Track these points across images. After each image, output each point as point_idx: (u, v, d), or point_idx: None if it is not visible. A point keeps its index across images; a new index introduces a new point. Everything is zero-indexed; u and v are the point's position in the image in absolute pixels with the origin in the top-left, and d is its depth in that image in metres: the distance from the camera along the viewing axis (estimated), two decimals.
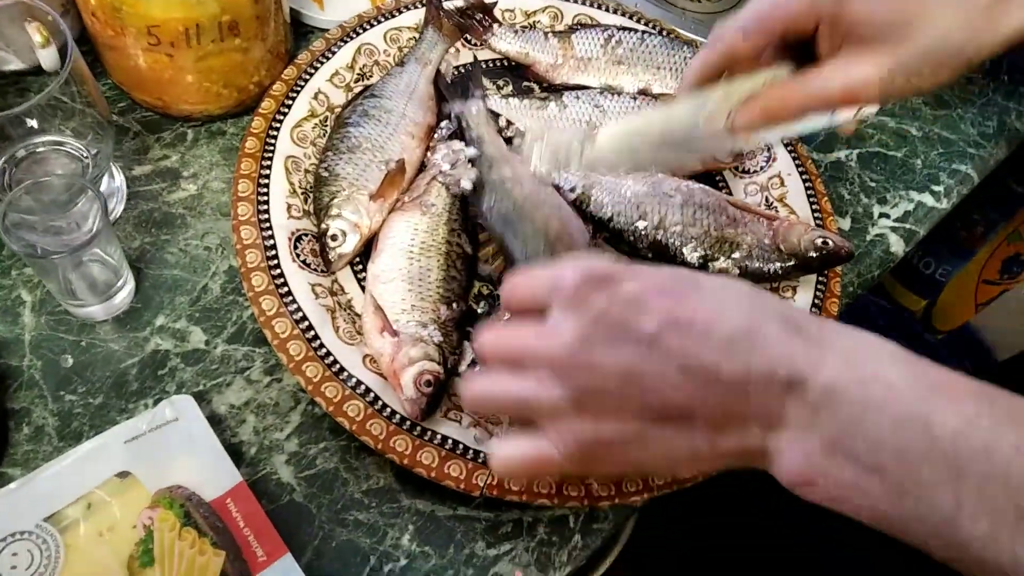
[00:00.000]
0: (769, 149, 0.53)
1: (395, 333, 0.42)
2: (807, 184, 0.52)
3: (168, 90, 0.47)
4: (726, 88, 0.41)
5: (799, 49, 0.41)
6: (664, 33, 0.57)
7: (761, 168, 0.53)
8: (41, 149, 0.44)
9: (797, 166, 0.52)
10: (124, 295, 0.43)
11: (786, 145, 0.53)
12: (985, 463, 0.27)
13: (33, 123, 0.42)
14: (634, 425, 0.31)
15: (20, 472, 0.38)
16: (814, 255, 0.47)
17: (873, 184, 0.57)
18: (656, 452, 0.32)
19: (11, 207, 0.39)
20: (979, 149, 0.61)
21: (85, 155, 0.44)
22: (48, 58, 0.45)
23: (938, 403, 0.28)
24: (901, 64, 0.38)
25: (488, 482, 0.39)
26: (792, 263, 0.47)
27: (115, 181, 0.46)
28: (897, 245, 0.55)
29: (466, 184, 0.47)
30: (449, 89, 0.52)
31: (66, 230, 0.42)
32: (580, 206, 0.49)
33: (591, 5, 0.57)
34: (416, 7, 0.54)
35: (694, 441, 0.31)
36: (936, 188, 0.58)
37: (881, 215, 0.56)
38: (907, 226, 0.56)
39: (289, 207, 0.45)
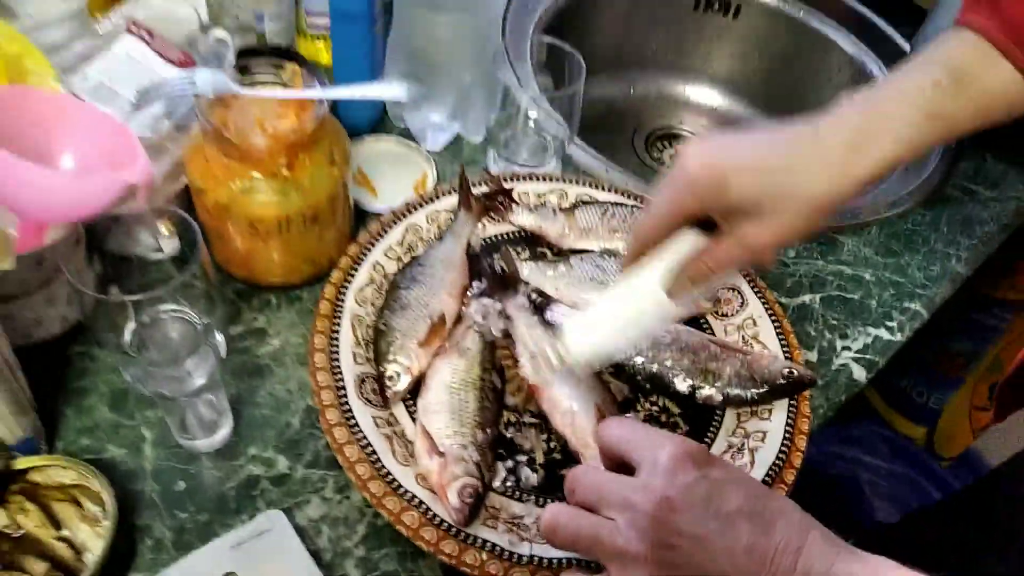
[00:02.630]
0: (742, 297, 0.64)
1: (441, 454, 0.51)
2: (775, 324, 0.63)
3: (259, 267, 0.60)
4: (657, 264, 0.53)
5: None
6: (643, 207, 0.70)
7: (736, 312, 0.64)
8: (164, 316, 0.56)
9: (766, 309, 0.63)
10: (225, 431, 0.54)
11: (756, 293, 0.64)
12: None
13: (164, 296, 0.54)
14: None
15: None
16: (783, 382, 0.57)
17: (835, 322, 0.68)
18: None
19: (147, 362, 0.51)
20: (926, 290, 0.72)
21: (196, 319, 0.56)
22: (171, 246, 0.58)
23: None
24: (781, 223, 0.48)
25: None
26: (765, 389, 0.57)
27: (217, 339, 0.58)
28: (859, 373, 0.65)
29: (496, 332, 0.58)
30: (487, 270, 0.64)
31: (183, 379, 0.53)
32: None
33: (590, 186, 0.71)
34: (451, 193, 0.68)
35: None
36: (890, 323, 0.68)
37: (843, 348, 0.66)
38: (867, 357, 0.66)
39: (355, 355, 0.57)
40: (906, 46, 0.97)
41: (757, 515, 0.39)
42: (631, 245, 0.55)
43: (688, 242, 0.54)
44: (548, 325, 0.60)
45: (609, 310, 0.55)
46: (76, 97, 0.58)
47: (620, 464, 0.42)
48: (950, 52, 0.51)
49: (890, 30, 0.99)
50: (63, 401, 0.54)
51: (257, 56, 0.60)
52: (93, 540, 0.45)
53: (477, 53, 0.74)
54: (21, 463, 0.47)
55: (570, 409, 0.55)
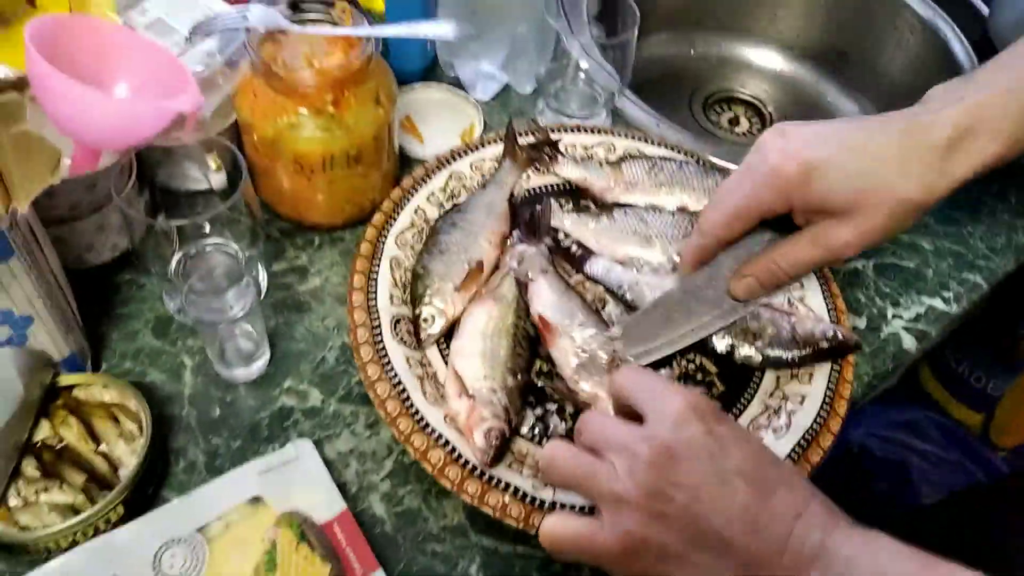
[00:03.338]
0: None
1: (471, 396, 0.51)
2: (823, 287, 0.60)
3: (304, 206, 0.61)
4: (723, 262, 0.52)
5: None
6: (699, 161, 0.68)
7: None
8: (209, 248, 0.57)
9: (815, 271, 0.61)
10: (262, 363, 0.55)
11: None
12: None
13: (206, 229, 0.55)
14: (682, 542, 0.37)
15: (176, 495, 0.48)
16: (825, 345, 0.55)
17: (887, 290, 0.65)
18: (689, 574, 0.37)
19: (189, 290, 0.52)
20: (988, 261, 0.68)
21: (240, 254, 0.57)
22: (218, 180, 0.59)
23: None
24: (872, 225, 0.46)
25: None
26: (807, 352, 0.55)
27: (260, 274, 0.59)
28: (909, 343, 0.62)
29: (532, 277, 0.58)
30: (524, 216, 0.63)
31: (223, 309, 0.54)
32: (628, 300, 0.59)
33: (638, 140, 0.69)
34: (496, 143, 0.67)
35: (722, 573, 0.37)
36: (946, 294, 0.65)
37: (894, 316, 0.63)
38: (919, 327, 0.63)
39: (392, 297, 0.57)
40: (984, 8, 0.91)
41: (758, 478, 0.38)
42: (697, 243, 0.52)
43: (759, 241, 0.51)
44: (588, 278, 0.60)
45: (668, 314, 0.54)
46: (133, 29, 0.59)
47: (631, 414, 0.41)
48: None
49: None
50: (109, 325, 0.56)
51: None
52: (129, 456, 0.47)
53: (530, 1, 0.73)
54: (65, 380, 0.49)
55: (581, 361, 0.54)
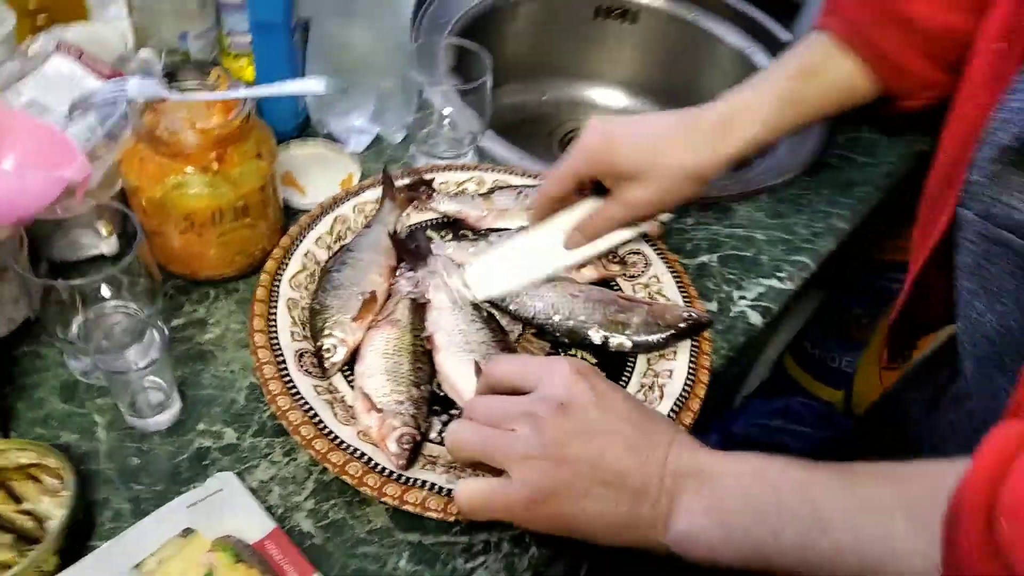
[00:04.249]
0: (646, 259, 0.71)
1: (380, 410, 0.56)
2: (677, 279, 0.69)
3: (196, 261, 0.64)
4: (558, 220, 0.65)
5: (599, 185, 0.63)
6: None
7: (642, 272, 0.70)
8: (107, 310, 0.59)
9: (668, 268, 0.70)
10: (174, 410, 0.57)
11: (659, 254, 0.71)
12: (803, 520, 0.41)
13: (104, 292, 0.58)
14: (583, 481, 0.44)
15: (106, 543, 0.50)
16: (683, 325, 0.64)
17: (731, 276, 0.75)
18: (591, 508, 0.44)
19: (96, 350, 0.54)
20: (811, 244, 0.80)
21: (139, 312, 0.59)
22: (110, 246, 0.62)
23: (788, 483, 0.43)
24: (658, 187, 0.59)
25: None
26: (669, 333, 0.64)
27: (162, 329, 0.61)
28: (755, 318, 0.72)
29: (430, 295, 0.64)
30: (406, 246, 0.69)
31: (129, 365, 0.56)
32: (511, 310, 0.65)
33: (505, 173, 0.77)
34: (375, 186, 0.73)
35: (620, 505, 0.44)
36: (781, 274, 0.76)
37: (740, 297, 0.73)
38: (762, 304, 0.73)
39: (292, 334, 0.61)
40: (788, 36, 1.07)
41: (636, 419, 0.46)
42: (537, 203, 0.64)
43: (584, 205, 0.64)
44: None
45: (512, 254, 0.65)
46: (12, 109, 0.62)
47: (509, 395, 0.49)
48: (803, 51, 0.63)
49: (772, 24, 1.09)
50: (15, 396, 0.57)
51: (183, 66, 0.65)
52: (54, 509, 0.48)
53: (391, 59, 0.80)
54: None
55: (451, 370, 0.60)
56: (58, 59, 0.67)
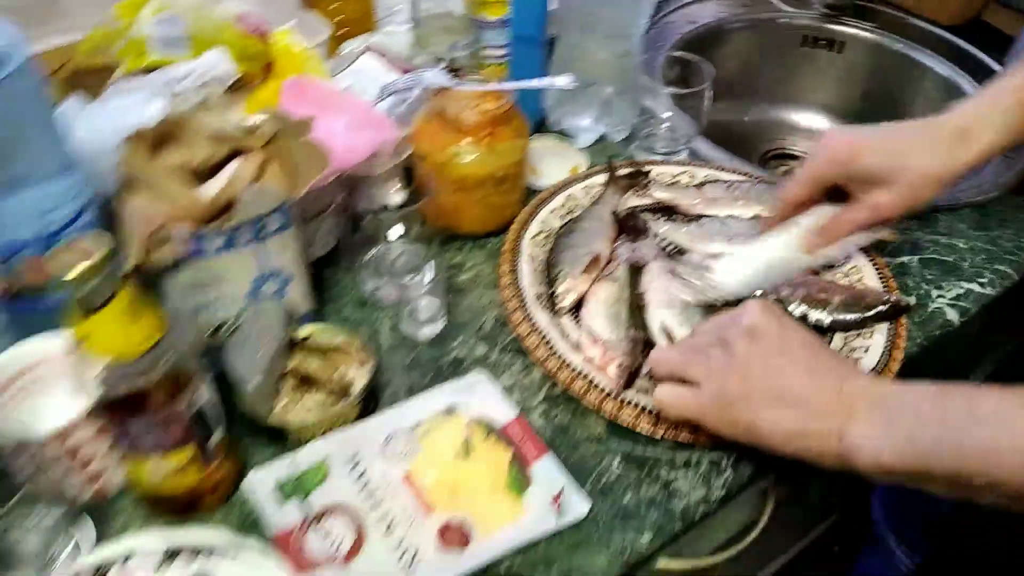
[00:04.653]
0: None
1: (603, 345, 0.67)
2: (877, 271, 0.75)
3: (460, 218, 0.79)
4: (798, 224, 0.70)
5: (836, 193, 0.68)
6: (763, 182, 0.84)
7: (842, 263, 0.77)
8: (393, 248, 0.75)
9: (869, 260, 0.76)
10: (439, 326, 0.71)
11: (860, 249, 0.77)
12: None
13: (392, 235, 0.74)
14: (761, 395, 0.53)
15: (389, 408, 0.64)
16: (883, 308, 0.69)
17: (931, 277, 0.79)
18: (770, 419, 0.53)
19: (386, 275, 0.70)
20: (1015, 256, 0.82)
21: (416, 252, 0.75)
22: (397, 199, 0.78)
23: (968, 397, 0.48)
24: (904, 191, 0.64)
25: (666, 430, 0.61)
26: (868, 314, 0.70)
27: (431, 265, 0.77)
28: (953, 315, 0.76)
29: (648, 258, 0.74)
30: (627, 223, 0.80)
31: (408, 288, 0.71)
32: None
33: (715, 169, 0.87)
34: (601, 173, 0.85)
35: (795, 419, 0.52)
36: (982, 280, 0.79)
37: (939, 295, 0.77)
38: (961, 304, 0.76)
39: (531, 280, 0.74)
40: (997, 67, 1.08)
41: (815, 348, 0.54)
42: (776, 207, 0.71)
43: (822, 211, 0.70)
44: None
45: (755, 256, 0.72)
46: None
47: None
48: None
49: (981, 55, 1.11)
50: (322, 303, 0.73)
51: (461, 66, 0.81)
52: (360, 376, 0.63)
53: (619, 69, 0.93)
54: (305, 330, 0.66)
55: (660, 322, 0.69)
56: (367, 58, 0.86)
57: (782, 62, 1.24)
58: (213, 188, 0.56)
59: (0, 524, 0.54)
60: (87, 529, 0.56)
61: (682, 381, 0.58)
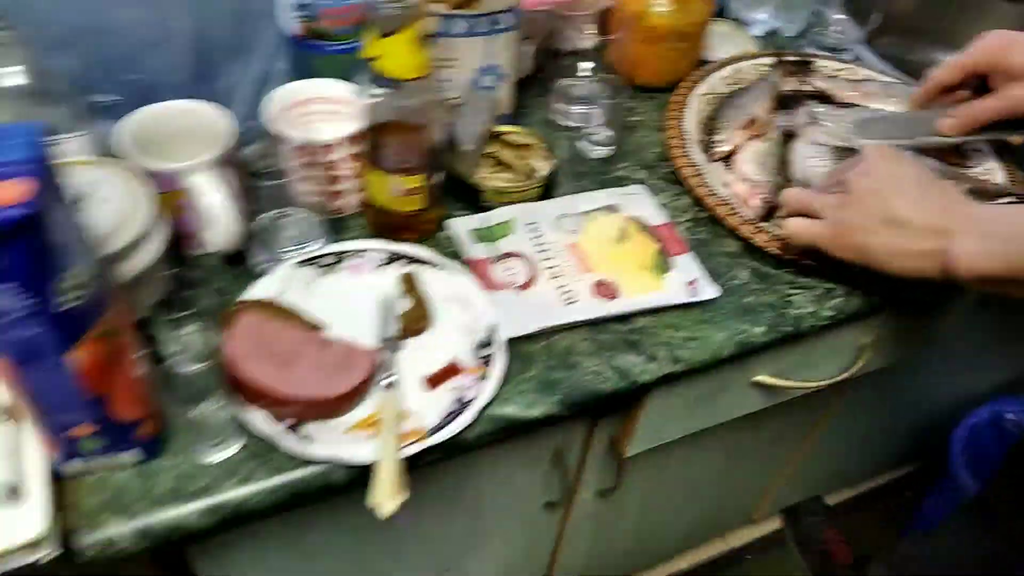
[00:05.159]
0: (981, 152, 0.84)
1: (750, 183, 0.78)
2: (1008, 172, 0.82)
3: (640, 68, 0.90)
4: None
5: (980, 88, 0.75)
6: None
7: (975, 165, 0.84)
8: (580, 80, 0.87)
9: (1001, 161, 0.83)
10: (608, 149, 0.84)
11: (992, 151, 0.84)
12: None
13: (581, 70, 0.86)
14: (875, 219, 0.63)
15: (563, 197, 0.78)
16: (1008, 200, 0.77)
17: None
18: (880, 240, 0.63)
19: (575, 102, 0.82)
20: None
21: (597, 88, 0.87)
22: (589, 42, 0.90)
23: None
24: None
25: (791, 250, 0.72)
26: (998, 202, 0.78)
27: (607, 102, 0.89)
28: None
29: (800, 122, 0.84)
30: (787, 98, 0.90)
31: (588, 118, 0.84)
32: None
33: (876, 72, 0.94)
34: (769, 56, 0.94)
35: (903, 240, 0.62)
36: None
37: None
38: None
39: (694, 127, 0.85)
40: None
41: (925, 182, 0.64)
42: (925, 85, 0.80)
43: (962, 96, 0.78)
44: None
45: (893, 119, 0.80)
46: None
47: None
48: None
49: None
50: (515, 115, 0.87)
51: None
52: (543, 167, 0.77)
53: None
54: (504, 127, 0.80)
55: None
56: None
57: (960, 6, 1.27)
58: None
59: (273, 218, 0.71)
60: (328, 232, 0.72)
61: (808, 216, 0.69)
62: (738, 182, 0.79)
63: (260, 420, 0.58)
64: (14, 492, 0.52)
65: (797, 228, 0.69)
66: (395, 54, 0.59)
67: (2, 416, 0.55)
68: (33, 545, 0.51)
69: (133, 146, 0.63)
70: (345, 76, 0.71)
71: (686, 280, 0.70)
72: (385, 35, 0.59)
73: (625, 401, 0.72)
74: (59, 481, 0.55)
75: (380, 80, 0.61)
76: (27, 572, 0.52)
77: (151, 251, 0.59)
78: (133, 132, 0.64)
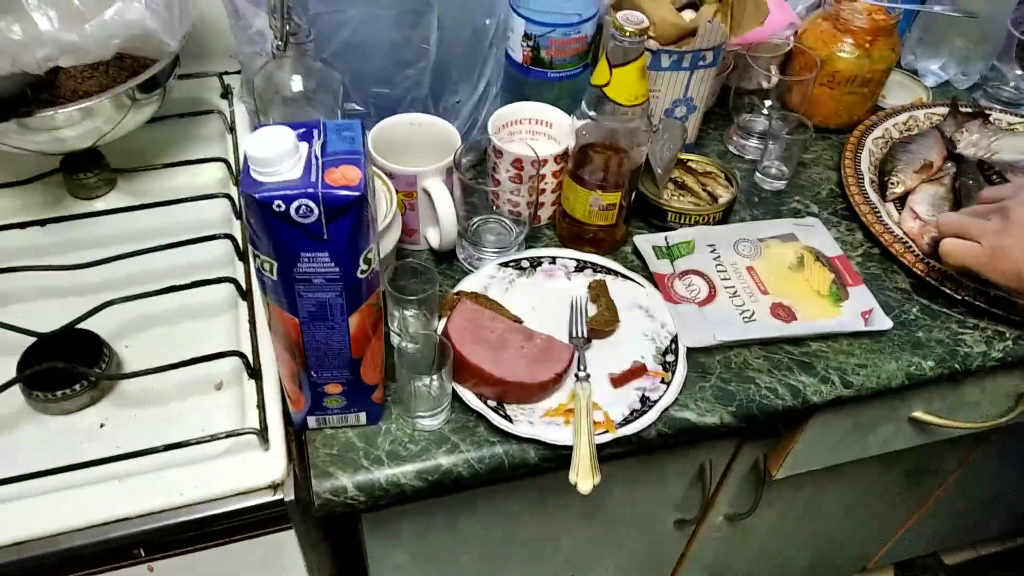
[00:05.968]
0: None
1: (922, 221, 0.81)
2: None
3: (817, 108, 0.95)
4: None
5: None
6: None
7: None
8: (760, 119, 0.93)
9: None
10: (783, 183, 0.89)
11: None
12: None
13: (762, 108, 0.91)
14: None
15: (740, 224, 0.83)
16: None
17: None
18: None
19: (749, 138, 0.88)
20: None
21: (775, 125, 0.92)
22: (769, 82, 0.95)
23: None
24: None
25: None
26: None
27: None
28: None
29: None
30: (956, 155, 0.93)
31: (763, 152, 0.89)
32: None
33: None
34: (944, 107, 0.97)
35: None
36: None
37: None
38: None
39: (868, 168, 0.89)
40: None
41: None
42: None
43: None
44: None
45: None
46: None
47: None
48: None
49: None
50: (696, 144, 0.93)
51: None
52: (724, 193, 0.82)
53: (975, 30, 1.03)
54: (688, 155, 0.86)
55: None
56: None
57: None
58: (687, 16, 0.76)
59: (481, 222, 0.79)
60: (524, 239, 0.80)
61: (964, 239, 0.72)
62: (909, 220, 0.83)
63: (471, 397, 0.65)
64: (263, 438, 0.62)
65: (953, 248, 0.71)
66: (623, 82, 0.67)
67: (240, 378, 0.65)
68: (274, 487, 0.61)
69: (373, 150, 0.73)
70: (554, 100, 0.79)
71: (861, 310, 0.74)
72: (615, 65, 0.66)
73: (789, 421, 0.76)
74: (295, 434, 0.64)
75: (600, 104, 0.69)
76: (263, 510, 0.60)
77: (391, 240, 0.69)
78: (374, 137, 0.74)
